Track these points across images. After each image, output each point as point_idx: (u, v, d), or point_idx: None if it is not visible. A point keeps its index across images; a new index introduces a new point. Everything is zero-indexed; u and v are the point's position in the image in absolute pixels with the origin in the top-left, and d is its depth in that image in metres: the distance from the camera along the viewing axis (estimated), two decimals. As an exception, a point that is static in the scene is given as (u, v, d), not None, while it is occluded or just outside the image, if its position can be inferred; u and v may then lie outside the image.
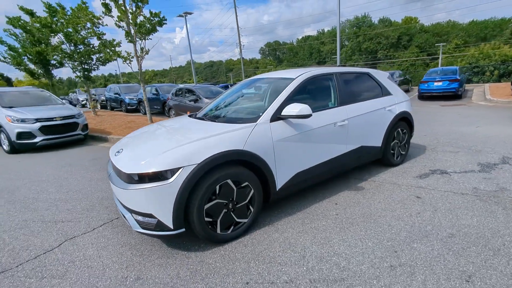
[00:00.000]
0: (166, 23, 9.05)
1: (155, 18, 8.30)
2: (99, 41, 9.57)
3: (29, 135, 7.25)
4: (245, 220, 2.71)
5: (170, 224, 2.30)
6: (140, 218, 2.38)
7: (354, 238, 2.54)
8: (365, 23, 62.92)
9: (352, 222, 2.83)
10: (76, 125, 7.99)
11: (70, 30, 11.44)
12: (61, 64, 14.20)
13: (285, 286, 2.02)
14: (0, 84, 26.48)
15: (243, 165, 2.63)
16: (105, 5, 7.67)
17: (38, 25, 11.25)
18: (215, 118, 3.28)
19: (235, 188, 2.58)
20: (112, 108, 18.17)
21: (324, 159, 3.29)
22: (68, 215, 3.38)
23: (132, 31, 8.45)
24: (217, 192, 2.47)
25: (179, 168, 2.28)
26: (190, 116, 3.73)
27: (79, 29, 11.24)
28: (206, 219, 2.44)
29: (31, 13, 11.72)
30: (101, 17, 9.14)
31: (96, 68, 12.64)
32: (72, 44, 11.92)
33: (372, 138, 3.87)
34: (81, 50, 11.84)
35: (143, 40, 8.63)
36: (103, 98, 19.86)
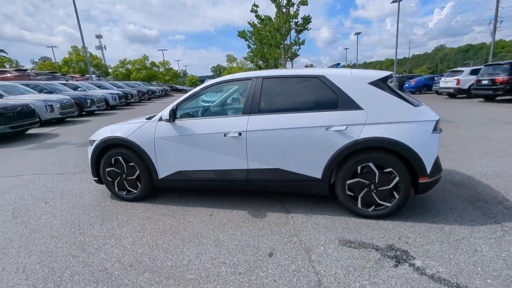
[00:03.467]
0: (311, 21, 9.26)
1: (292, 20, 8.84)
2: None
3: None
4: (135, 191, 3.41)
5: (92, 173, 3.59)
6: (92, 166, 3.86)
7: (149, 240, 2.55)
8: None
9: (178, 232, 2.68)
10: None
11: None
12: (275, 60, 18.05)
13: (81, 235, 2.75)
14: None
15: (131, 149, 3.30)
16: (258, 16, 9.25)
17: (249, 34, 15.13)
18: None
19: (124, 164, 3.35)
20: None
21: (214, 168, 3.03)
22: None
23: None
24: (113, 163, 3.40)
25: (94, 140, 3.46)
26: None
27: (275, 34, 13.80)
28: (108, 178, 3.47)
29: (253, 25, 15.79)
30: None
31: (283, 63, 15.00)
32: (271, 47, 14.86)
33: (300, 164, 2.76)
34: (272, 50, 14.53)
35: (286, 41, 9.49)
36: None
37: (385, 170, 2.57)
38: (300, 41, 13.70)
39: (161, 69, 50.43)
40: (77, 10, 22.87)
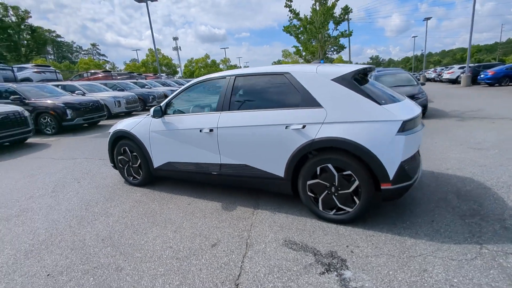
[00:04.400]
0: (351, 12, 8.57)
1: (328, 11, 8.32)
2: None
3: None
4: (138, 177, 3.85)
5: (110, 159, 4.17)
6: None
7: (128, 220, 2.90)
8: None
9: (154, 215, 2.97)
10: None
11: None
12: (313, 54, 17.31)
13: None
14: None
15: (133, 141, 3.71)
16: (292, 11, 8.96)
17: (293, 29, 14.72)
18: None
19: (130, 154, 3.81)
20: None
21: (194, 161, 3.21)
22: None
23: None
24: (122, 152, 3.89)
25: (110, 132, 4.01)
26: None
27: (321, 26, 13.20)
28: (120, 165, 3.99)
29: (299, 19, 15.32)
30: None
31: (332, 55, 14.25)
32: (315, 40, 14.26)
33: (264, 161, 2.72)
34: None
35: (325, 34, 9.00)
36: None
37: (344, 173, 2.37)
38: (347, 32, 12.76)
39: (222, 66, 53.12)
40: (150, 19, 25.70)
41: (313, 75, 2.53)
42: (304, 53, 18.37)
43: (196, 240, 2.45)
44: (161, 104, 3.39)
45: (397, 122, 2.19)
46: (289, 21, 13.46)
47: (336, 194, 2.45)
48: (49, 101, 9.11)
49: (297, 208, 2.85)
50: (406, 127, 2.20)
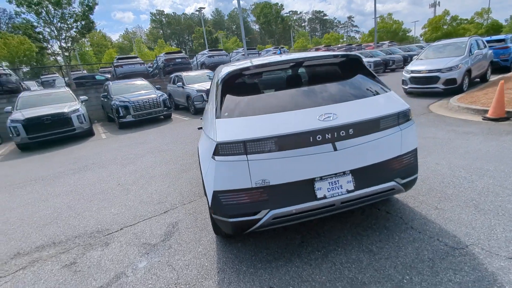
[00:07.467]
0: None
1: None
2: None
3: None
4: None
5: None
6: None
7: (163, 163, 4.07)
8: None
9: (175, 174, 3.92)
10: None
11: None
12: None
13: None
14: None
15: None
16: None
17: None
18: None
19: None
20: None
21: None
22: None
23: None
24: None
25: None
26: None
27: None
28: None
29: None
30: None
31: None
32: None
33: None
34: None
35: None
36: None
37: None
38: None
39: (479, 20, 37.66)
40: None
41: (221, 74, 2.19)
42: None
43: (151, 197, 3.18)
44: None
45: (212, 143, 1.70)
46: None
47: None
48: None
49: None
50: (224, 150, 1.63)
